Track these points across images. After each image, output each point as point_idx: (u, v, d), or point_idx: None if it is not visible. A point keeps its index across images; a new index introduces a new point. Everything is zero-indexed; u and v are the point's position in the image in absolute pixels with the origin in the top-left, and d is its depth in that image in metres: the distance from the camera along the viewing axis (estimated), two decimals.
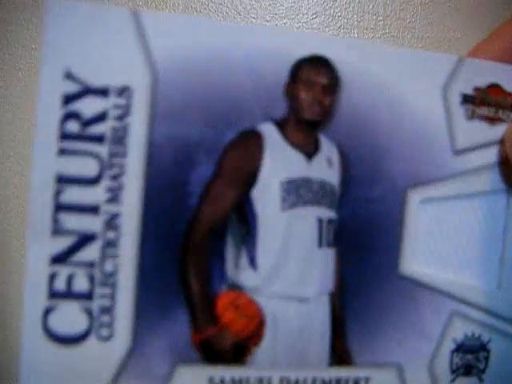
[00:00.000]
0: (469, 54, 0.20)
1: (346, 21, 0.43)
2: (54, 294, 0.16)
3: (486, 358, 0.18)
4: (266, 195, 0.17)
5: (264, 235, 0.17)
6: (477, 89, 0.18)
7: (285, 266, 0.17)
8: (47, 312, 0.15)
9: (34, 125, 0.16)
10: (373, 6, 0.43)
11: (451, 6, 0.43)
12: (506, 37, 0.19)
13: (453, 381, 0.18)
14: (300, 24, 0.42)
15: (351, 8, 0.43)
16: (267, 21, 0.42)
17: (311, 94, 0.17)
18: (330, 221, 0.17)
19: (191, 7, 0.42)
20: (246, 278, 0.17)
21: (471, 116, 0.18)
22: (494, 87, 0.18)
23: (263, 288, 0.17)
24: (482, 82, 0.18)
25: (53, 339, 0.16)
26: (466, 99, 0.18)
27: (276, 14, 0.42)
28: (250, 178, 0.17)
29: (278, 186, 0.17)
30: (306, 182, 0.17)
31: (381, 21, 0.43)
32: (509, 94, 0.18)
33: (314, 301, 0.17)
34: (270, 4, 0.42)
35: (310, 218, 0.17)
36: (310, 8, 0.42)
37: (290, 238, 0.17)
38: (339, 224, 0.17)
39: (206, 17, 0.41)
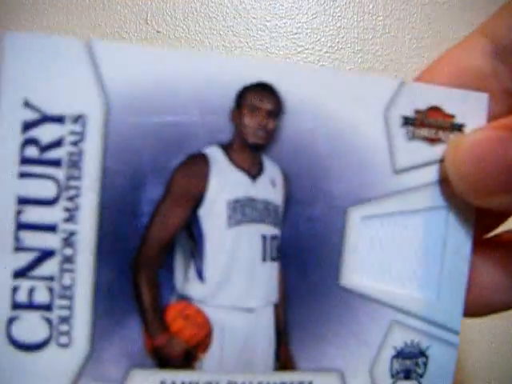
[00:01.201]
0: (418, 78, 0.22)
1: (345, 21, 0.44)
2: (16, 305, 0.18)
3: (425, 364, 0.21)
4: (213, 214, 0.19)
5: (211, 250, 0.19)
6: (417, 111, 0.20)
7: (231, 278, 0.19)
8: (10, 322, 0.18)
9: None
10: (373, 6, 0.44)
11: (451, 6, 0.44)
12: (454, 61, 0.21)
13: None
14: (300, 24, 0.44)
15: (351, 8, 0.44)
16: (267, 21, 0.44)
17: (255, 119, 0.19)
18: (273, 237, 0.20)
19: (191, 7, 0.43)
20: (195, 289, 0.19)
21: (411, 137, 0.20)
22: (435, 109, 0.20)
23: (210, 299, 0.19)
24: (423, 104, 0.20)
25: (16, 346, 0.18)
26: (407, 121, 0.20)
27: (276, 14, 0.44)
28: (197, 198, 0.19)
29: (224, 205, 0.19)
30: (250, 202, 0.19)
31: (381, 21, 0.44)
32: (449, 115, 0.20)
33: (259, 311, 0.20)
34: (270, 4, 0.44)
35: (254, 234, 0.19)
36: (310, 8, 0.44)
37: (235, 253, 0.19)
38: (282, 240, 0.20)
39: (207, 16, 0.43)
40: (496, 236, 0.23)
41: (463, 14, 0.43)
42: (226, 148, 0.19)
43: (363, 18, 0.44)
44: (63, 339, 0.18)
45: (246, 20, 0.44)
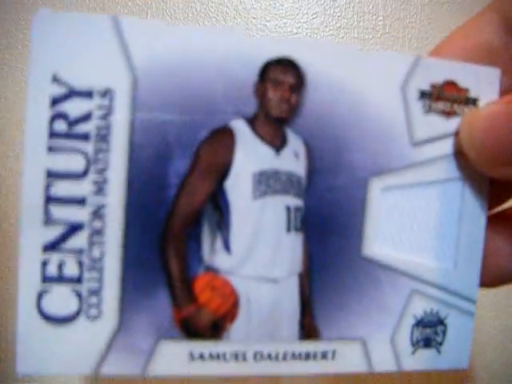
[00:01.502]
0: (431, 53, 0.22)
1: (345, 21, 0.45)
2: (46, 279, 0.18)
3: (444, 332, 0.21)
4: (239, 185, 0.19)
5: (237, 222, 0.19)
6: (433, 85, 0.20)
7: (256, 249, 0.20)
8: (41, 295, 0.18)
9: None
10: (373, 6, 0.45)
11: (451, 6, 0.45)
12: (466, 37, 0.22)
13: (413, 353, 0.21)
14: (300, 24, 0.44)
15: (351, 8, 0.45)
16: (267, 21, 0.44)
17: (279, 93, 0.19)
18: (297, 208, 0.20)
19: (191, 7, 0.44)
20: (221, 260, 0.20)
21: (428, 110, 0.20)
22: (450, 84, 0.20)
23: (237, 270, 0.20)
24: (438, 78, 0.20)
25: (46, 319, 0.18)
26: (423, 95, 0.20)
27: (276, 14, 0.44)
28: (223, 171, 0.19)
29: (250, 177, 0.19)
30: (274, 173, 0.20)
31: (381, 21, 0.45)
32: (464, 89, 0.21)
33: (284, 281, 0.20)
34: (270, 4, 0.44)
35: (278, 205, 0.20)
36: (310, 8, 0.44)
37: (260, 224, 0.20)
38: (306, 211, 0.20)
39: (207, 16, 0.44)
40: (507, 209, 0.23)
41: (463, 14, 0.44)
42: (251, 121, 0.19)
43: (363, 18, 0.44)
44: (93, 312, 0.19)
45: (245, 20, 0.44)
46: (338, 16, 0.44)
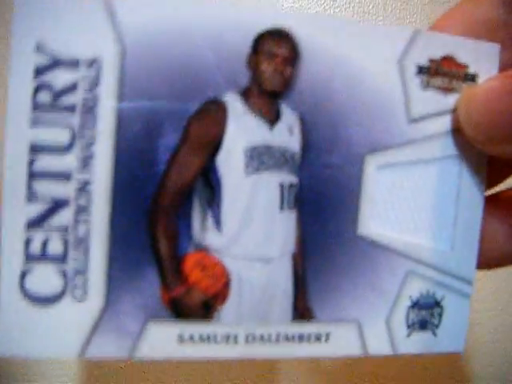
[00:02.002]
0: (430, 28, 0.22)
1: None
2: (30, 257, 0.17)
3: (440, 314, 0.21)
4: (230, 161, 0.19)
5: (228, 198, 0.19)
6: (431, 60, 0.20)
7: (248, 227, 0.19)
8: (24, 274, 0.17)
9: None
10: (373, 6, 0.44)
11: (451, 6, 0.44)
12: (466, 12, 0.21)
13: (409, 335, 0.20)
14: None
15: (351, 8, 0.44)
16: None
17: (272, 66, 0.19)
18: (291, 185, 0.19)
19: None
20: (212, 239, 0.19)
21: (426, 86, 0.20)
22: (448, 59, 0.20)
23: (228, 249, 0.19)
24: (437, 53, 0.20)
25: (30, 300, 0.17)
26: (421, 70, 0.20)
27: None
28: (214, 145, 0.19)
29: (242, 152, 0.19)
30: (268, 149, 0.19)
31: (381, 21, 0.44)
32: (462, 65, 0.20)
33: (277, 261, 0.19)
34: (270, 4, 0.43)
35: (272, 182, 0.19)
36: (309, 8, 0.44)
37: (253, 202, 0.19)
38: (300, 188, 0.19)
39: None
40: (504, 191, 0.23)
41: None
42: (243, 94, 0.19)
43: (363, 18, 0.44)
44: (78, 292, 0.18)
45: None
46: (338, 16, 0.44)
